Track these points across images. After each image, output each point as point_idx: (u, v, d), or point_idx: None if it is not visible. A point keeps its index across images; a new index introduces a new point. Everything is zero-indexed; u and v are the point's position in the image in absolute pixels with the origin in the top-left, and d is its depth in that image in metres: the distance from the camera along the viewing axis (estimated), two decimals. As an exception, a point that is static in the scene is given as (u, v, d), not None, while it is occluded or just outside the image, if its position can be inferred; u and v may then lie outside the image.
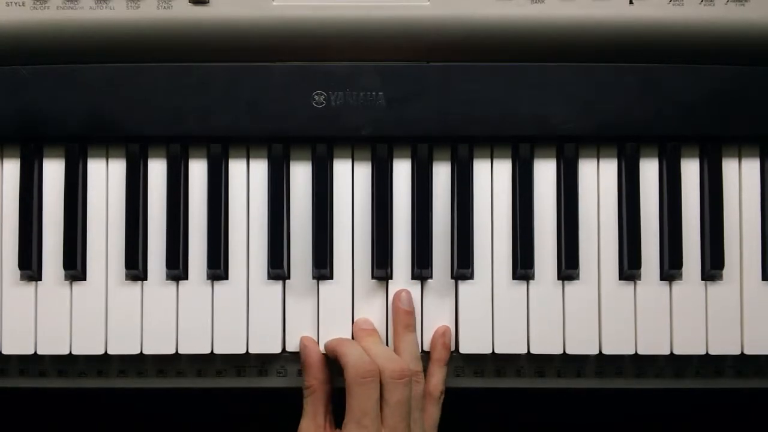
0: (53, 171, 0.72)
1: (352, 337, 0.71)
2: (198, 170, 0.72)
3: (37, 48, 0.70)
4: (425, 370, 0.70)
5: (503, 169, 0.72)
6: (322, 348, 0.70)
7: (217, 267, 0.70)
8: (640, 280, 0.71)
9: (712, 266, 0.71)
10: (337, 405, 0.69)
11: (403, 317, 0.70)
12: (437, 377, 0.70)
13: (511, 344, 0.71)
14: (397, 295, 0.71)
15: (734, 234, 0.72)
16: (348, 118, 0.70)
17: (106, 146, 0.72)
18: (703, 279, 0.71)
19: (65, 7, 0.70)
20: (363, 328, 0.70)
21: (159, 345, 0.70)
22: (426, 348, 0.71)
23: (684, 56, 0.71)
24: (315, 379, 0.68)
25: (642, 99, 0.70)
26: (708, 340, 0.70)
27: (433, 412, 0.69)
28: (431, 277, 0.72)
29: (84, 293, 0.71)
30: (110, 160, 0.72)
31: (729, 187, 0.72)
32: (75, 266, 0.70)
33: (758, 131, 0.71)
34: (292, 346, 0.71)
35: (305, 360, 0.69)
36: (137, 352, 0.70)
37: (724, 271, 0.71)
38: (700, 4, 0.70)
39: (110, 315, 0.71)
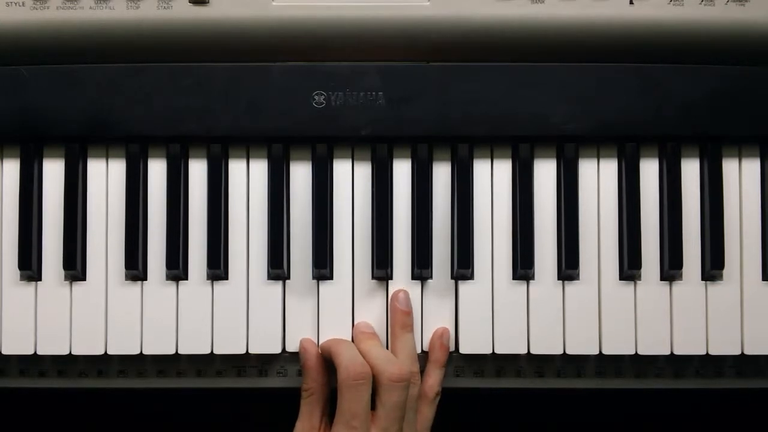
0: (53, 171, 0.72)
1: (353, 340, 0.71)
2: (198, 170, 0.72)
3: (37, 48, 0.70)
4: (422, 370, 0.70)
5: (503, 169, 0.72)
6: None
7: (217, 267, 0.70)
8: (640, 280, 0.71)
9: (712, 266, 0.71)
10: (333, 407, 0.69)
11: (400, 317, 0.70)
12: (434, 378, 0.70)
13: (511, 344, 0.71)
14: (395, 295, 0.71)
15: (734, 234, 0.72)
16: (348, 118, 0.70)
17: (106, 146, 0.72)
18: (703, 279, 0.71)
19: (65, 7, 0.70)
20: (363, 331, 0.70)
21: (159, 345, 0.70)
22: (426, 349, 0.71)
23: (684, 56, 0.71)
24: (314, 381, 0.68)
25: (642, 99, 0.70)
26: (708, 340, 0.70)
27: (427, 413, 0.69)
28: (431, 277, 0.72)
29: (84, 293, 0.71)
30: (110, 160, 0.72)
31: (729, 187, 0.72)
32: (75, 266, 0.70)
33: (758, 131, 0.71)
34: (292, 347, 0.71)
35: (305, 363, 0.69)
36: (137, 352, 0.70)
37: (724, 271, 0.71)
38: (700, 4, 0.70)
39: (110, 315, 0.71)
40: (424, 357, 0.71)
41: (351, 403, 0.64)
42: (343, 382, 0.65)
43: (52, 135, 0.71)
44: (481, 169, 0.72)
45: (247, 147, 0.72)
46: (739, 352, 0.70)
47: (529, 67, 0.71)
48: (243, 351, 0.70)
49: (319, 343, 0.71)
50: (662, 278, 0.71)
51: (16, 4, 0.70)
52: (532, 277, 0.71)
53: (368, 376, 0.65)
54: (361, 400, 0.65)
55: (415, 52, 0.72)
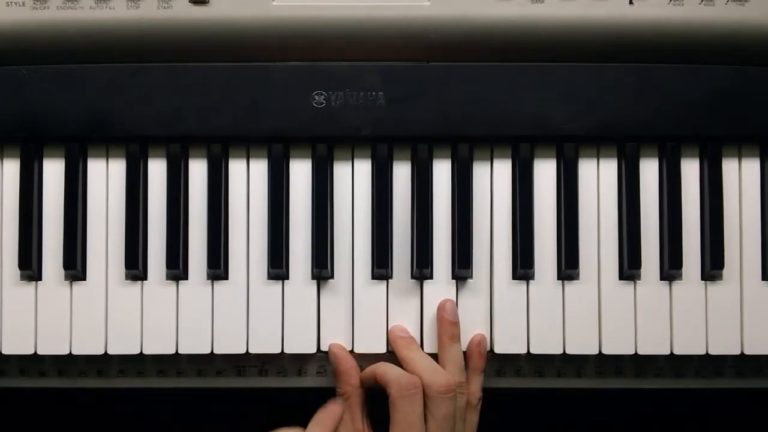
0: (53, 171, 0.72)
1: (387, 343, 0.71)
2: (198, 170, 0.72)
3: (37, 48, 0.70)
4: None
5: (503, 169, 0.72)
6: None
7: (217, 267, 0.70)
8: (640, 280, 0.71)
9: (712, 266, 0.71)
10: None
11: (448, 328, 0.70)
12: (475, 385, 0.70)
13: (511, 344, 0.71)
14: (442, 305, 0.70)
15: (734, 234, 0.72)
16: (348, 118, 0.70)
17: (106, 146, 0.72)
18: (703, 279, 0.71)
19: (65, 7, 0.70)
20: (401, 336, 0.70)
21: (159, 345, 0.70)
22: (428, 348, 0.71)
23: (684, 56, 0.71)
24: (349, 385, 0.69)
25: (642, 99, 0.70)
26: (708, 340, 0.70)
27: (472, 419, 0.70)
28: (431, 277, 0.72)
29: (84, 293, 0.71)
30: (110, 160, 0.72)
31: (729, 187, 0.72)
32: (75, 266, 0.70)
33: (758, 131, 0.71)
34: (291, 347, 0.71)
35: (337, 368, 0.69)
36: (137, 352, 0.70)
37: (724, 271, 0.71)
38: (700, 4, 0.70)
39: (110, 315, 0.71)
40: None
41: (406, 414, 0.65)
42: (396, 395, 0.65)
43: (52, 135, 0.71)
44: (481, 169, 0.72)
45: (247, 147, 0.72)
46: (739, 352, 0.70)
47: (529, 67, 0.71)
48: (243, 351, 0.70)
49: (324, 344, 0.71)
50: (662, 278, 0.71)
51: (16, 4, 0.70)
52: (532, 277, 0.71)
53: (419, 386, 0.66)
54: (415, 411, 0.65)
55: (415, 52, 0.72)
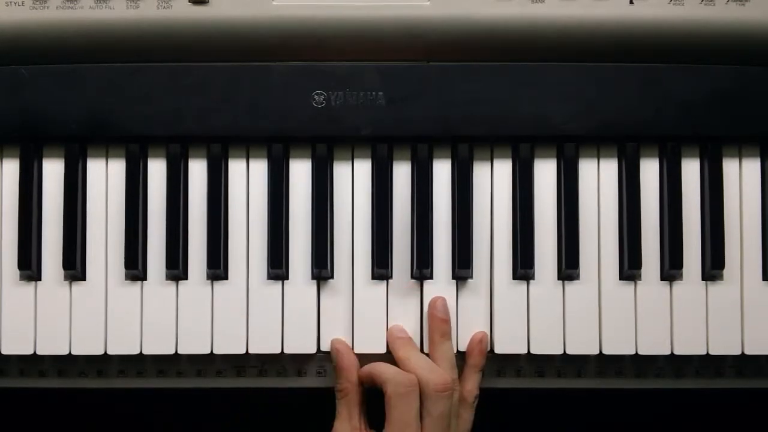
0: (53, 171, 0.72)
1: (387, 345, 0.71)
2: (198, 170, 0.72)
3: (37, 48, 0.70)
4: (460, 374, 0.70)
5: (503, 169, 0.72)
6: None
7: (217, 267, 0.70)
8: (640, 280, 0.71)
9: (713, 266, 0.71)
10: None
11: (439, 325, 0.70)
12: (472, 382, 0.70)
13: (511, 344, 0.71)
14: (433, 303, 0.70)
15: (734, 234, 0.71)
16: (348, 118, 0.70)
17: (106, 146, 0.72)
18: (703, 279, 0.71)
19: (65, 7, 0.70)
20: (399, 336, 0.70)
21: (159, 345, 0.70)
22: (426, 349, 0.71)
23: (684, 56, 0.71)
24: (348, 381, 0.69)
25: (642, 99, 0.70)
26: (708, 340, 0.70)
27: (467, 417, 0.70)
28: (431, 277, 0.72)
29: (84, 293, 0.71)
30: (110, 160, 0.72)
31: (729, 187, 0.72)
32: (75, 266, 0.70)
33: (758, 131, 0.71)
34: (291, 347, 0.71)
35: (338, 363, 0.69)
36: (137, 352, 0.70)
37: (725, 271, 0.71)
38: (700, 4, 0.70)
39: (110, 315, 0.71)
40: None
41: (402, 413, 0.65)
42: (393, 393, 0.66)
43: (52, 135, 0.71)
44: (481, 169, 0.72)
45: (247, 147, 0.72)
46: (739, 352, 0.70)
47: (529, 67, 0.71)
48: (243, 351, 0.70)
49: (326, 343, 0.71)
50: (662, 278, 0.71)
51: (16, 4, 0.70)
52: (532, 277, 0.71)
53: (416, 384, 0.66)
54: (412, 408, 0.65)
55: (415, 51, 0.72)
